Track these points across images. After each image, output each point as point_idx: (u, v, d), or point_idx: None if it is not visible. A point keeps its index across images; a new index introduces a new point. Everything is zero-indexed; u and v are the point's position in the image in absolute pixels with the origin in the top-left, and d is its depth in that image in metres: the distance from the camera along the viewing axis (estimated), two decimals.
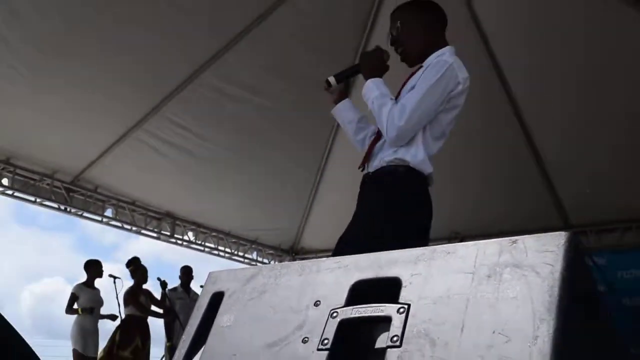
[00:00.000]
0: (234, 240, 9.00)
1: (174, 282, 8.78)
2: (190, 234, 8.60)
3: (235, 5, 5.50)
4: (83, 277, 8.03)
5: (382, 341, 1.20)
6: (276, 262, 8.39)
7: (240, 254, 9.16)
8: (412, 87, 2.50)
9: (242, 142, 6.98)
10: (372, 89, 2.58)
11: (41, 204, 7.18)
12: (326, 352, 1.22)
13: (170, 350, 8.09)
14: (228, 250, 9.00)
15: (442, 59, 2.52)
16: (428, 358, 1.11)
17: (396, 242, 2.36)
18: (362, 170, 2.71)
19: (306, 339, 1.27)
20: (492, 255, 1.18)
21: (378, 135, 2.67)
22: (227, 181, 7.63)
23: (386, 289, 1.25)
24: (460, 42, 2.96)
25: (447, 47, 2.62)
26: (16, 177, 6.84)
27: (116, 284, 7.93)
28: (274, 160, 7.37)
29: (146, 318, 7.96)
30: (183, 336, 1.52)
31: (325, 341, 1.24)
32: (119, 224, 7.87)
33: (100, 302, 7.93)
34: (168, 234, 8.28)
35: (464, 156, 6.16)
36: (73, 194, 7.30)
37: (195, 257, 8.44)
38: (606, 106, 5.99)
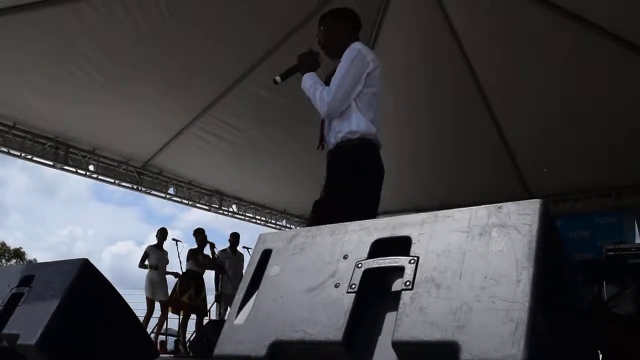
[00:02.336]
0: (267, 211, 9.01)
1: (219, 243, 8.75)
2: (234, 206, 8.62)
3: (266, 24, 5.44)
4: (149, 240, 8.06)
5: (397, 285, 1.21)
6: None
7: (273, 221, 9.17)
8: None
9: (273, 135, 6.92)
10: (307, 80, 2.64)
11: (119, 185, 7.22)
12: (354, 295, 1.24)
13: (218, 297, 8.15)
14: (263, 219, 9.01)
15: (352, 47, 2.56)
16: (434, 298, 1.12)
17: (360, 204, 2.39)
18: (321, 150, 2.70)
19: (338, 284, 1.28)
20: (483, 218, 1.18)
21: (323, 119, 2.66)
22: (262, 165, 7.60)
23: (399, 245, 1.26)
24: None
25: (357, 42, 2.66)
26: (100, 163, 6.92)
27: (178, 245, 7.99)
28: (297, 149, 7.26)
29: (202, 273, 7.96)
30: (241, 284, 1.52)
31: (353, 286, 1.25)
32: (178, 199, 7.91)
33: (165, 261, 7.92)
34: (217, 206, 8.32)
35: (445, 147, 6.07)
36: (143, 176, 7.36)
37: (236, 224, 8.40)
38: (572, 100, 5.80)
